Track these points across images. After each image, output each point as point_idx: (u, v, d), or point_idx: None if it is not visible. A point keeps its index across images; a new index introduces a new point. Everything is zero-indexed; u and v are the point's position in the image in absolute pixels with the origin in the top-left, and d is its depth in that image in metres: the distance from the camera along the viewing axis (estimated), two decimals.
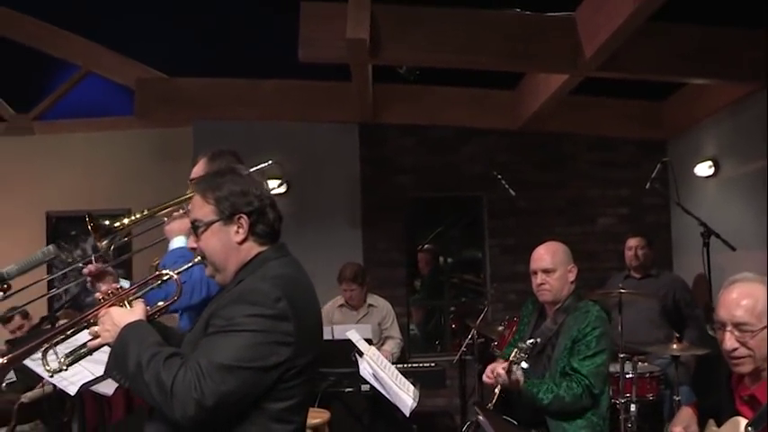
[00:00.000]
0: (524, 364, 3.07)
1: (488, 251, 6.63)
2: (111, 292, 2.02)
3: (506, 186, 5.31)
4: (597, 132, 6.56)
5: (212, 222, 1.95)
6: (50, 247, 2.88)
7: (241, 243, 1.95)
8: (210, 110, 6.39)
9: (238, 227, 1.94)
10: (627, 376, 4.56)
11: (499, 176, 5.32)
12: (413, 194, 6.70)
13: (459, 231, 6.74)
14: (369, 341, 4.38)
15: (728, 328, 2.30)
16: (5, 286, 2.73)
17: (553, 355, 3.30)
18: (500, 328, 5.04)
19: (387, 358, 5.10)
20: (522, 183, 6.38)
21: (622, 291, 4.58)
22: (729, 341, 2.30)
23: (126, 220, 2.68)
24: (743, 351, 2.27)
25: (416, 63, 4.80)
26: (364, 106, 5.81)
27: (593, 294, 4.96)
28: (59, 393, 3.65)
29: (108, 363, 1.87)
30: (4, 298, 2.77)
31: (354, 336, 3.99)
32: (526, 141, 6.58)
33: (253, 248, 1.96)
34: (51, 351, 2.00)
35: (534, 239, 3.69)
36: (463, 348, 5.39)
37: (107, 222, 2.68)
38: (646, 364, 4.85)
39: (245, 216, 1.94)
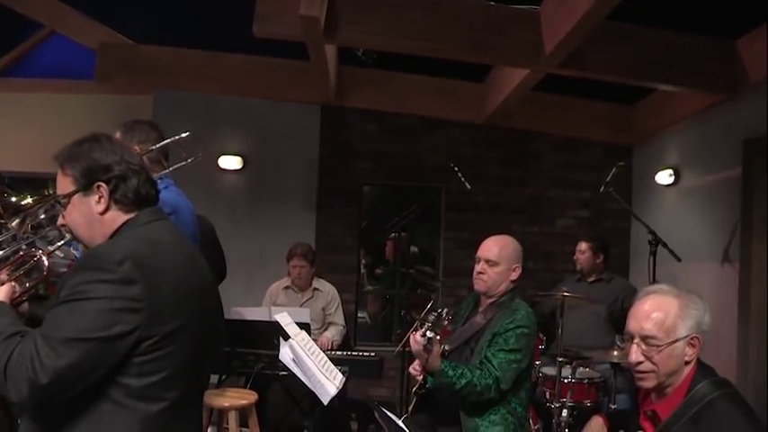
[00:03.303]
0: (429, 333, 3.02)
1: (443, 244, 6.57)
2: None
3: (462, 179, 5.22)
4: (564, 132, 6.49)
5: (72, 194, 1.84)
6: None
7: (103, 213, 1.83)
8: (173, 80, 6.24)
9: (99, 196, 1.82)
10: (564, 380, 4.52)
11: (456, 168, 5.24)
12: (371, 181, 6.64)
13: (417, 222, 6.66)
14: (306, 325, 4.31)
15: (636, 340, 2.24)
16: None
17: (476, 347, 3.28)
18: (434, 314, 4.97)
19: (326, 345, 5.07)
20: (484, 178, 6.32)
21: (565, 294, 4.52)
22: (635, 354, 2.23)
23: (31, 199, 2.53)
24: (647, 365, 2.21)
25: (373, 47, 4.70)
26: (326, 88, 5.70)
27: (537, 295, 4.95)
28: None
29: None
30: None
31: (284, 319, 3.89)
32: (491, 136, 6.50)
33: (118, 217, 1.84)
34: None
35: (489, 235, 3.61)
36: (405, 340, 5.31)
37: (14, 199, 2.53)
38: (587, 369, 4.81)
39: (103, 184, 1.82)
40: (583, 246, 5.43)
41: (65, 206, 1.86)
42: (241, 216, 6.33)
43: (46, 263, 1.97)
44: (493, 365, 3.15)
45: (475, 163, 6.34)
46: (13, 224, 2.54)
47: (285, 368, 4.36)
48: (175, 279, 1.77)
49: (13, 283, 1.90)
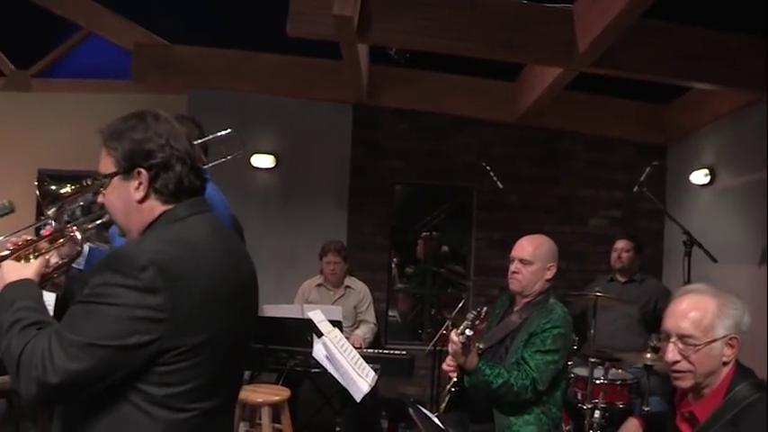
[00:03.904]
0: (468, 332, 3.03)
1: (474, 243, 6.56)
2: (20, 244, 1.87)
3: (494, 178, 5.21)
4: (596, 131, 6.44)
5: (112, 175, 1.73)
6: (5, 201, 2.83)
7: (141, 201, 1.71)
8: (206, 79, 6.34)
9: (139, 182, 1.70)
10: (596, 381, 4.48)
11: (488, 167, 5.22)
12: (403, 180, 6.65)
13: (448, 221, 6.67)
14: (338, 323, 4.34)
15: (672, 339, 2.22)
16: None
17: (511, 347, 3.27)
18: (474, 313, 4.96)
19: (357, 342, 5.09)
20: (515, 177, 6.29)
21: (598, 294, 4.48)
22: (672, 353, 2.21)
23: (70, 188, 2.59)
24: (684, 365, 2.18)
25: (406, 46, 4.71)
26: (358, 87, 5.73)
27: (568, 295, 4.91)
28: None
29: None
30: None
31: (317, 316, 3.92)
32: (523, 135, 6.48)
33: (156, 207, 1.72)
34: None
35: (522, 235, 3.61)
36: (436, 339, 5.31)
37: (53, 188, 2.58)
38: (620, 371, 4.76)
39: (144, 171, 1.69)
40: (621, 244, 5.34)
41: (105, 185, 1.76)
42: (273, 214, 6.39)
43: (79, 237, 1.92)
44: (530, 366, 3.14)
45: (506, 162, 6.32)
46: (50, 212, 2.61)
47: (317, 365, 4.40)
48: (204, 288, 1.63)
49: (46, 257, 1.85)
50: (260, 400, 4.13)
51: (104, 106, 6.77)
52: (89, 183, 2.70)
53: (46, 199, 2.61)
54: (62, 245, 1.96)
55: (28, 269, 1.78)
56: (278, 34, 4.60)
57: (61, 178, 2.72)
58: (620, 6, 3.59)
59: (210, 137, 3.04)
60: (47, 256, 1.86)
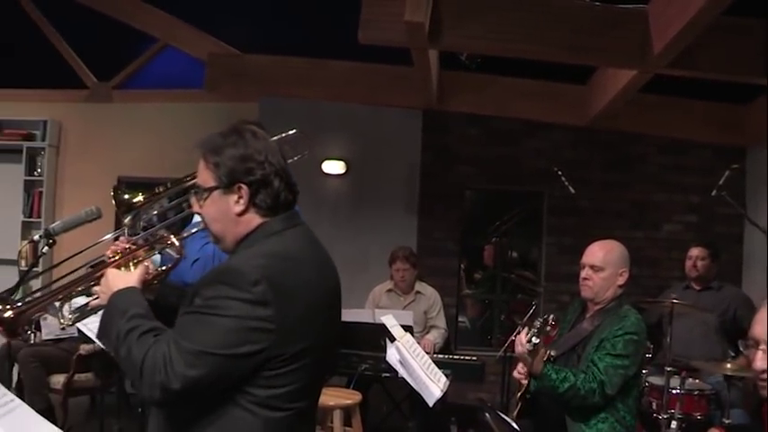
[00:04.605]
0: (535, 339, 3.01)
1: (545, 249, 6.49)
2: (119, 252, 1.97)
3: (566, 183, 5.15)
4: (671, 134, 6.28)
5: (212, 189, 1.81)
6: (93, 207, 2.94)
7: (240, 214, 1.79)
8: (277, 87, 6.46)
9: (238, 197, 1.78)
10: (673, 391, 4.36)
11: (560, 172, 5.17)
12: (473, 185, 6.62)
13: (518, 227, 6.61)
14: (409, 328, 4.36)
15: (762, 346, 2.15)
16: (51, 241, 2.82)
17: (583, 354, 3.22)
18: (540, 320, 4.91)
19: (428, 347, 5.10)
20: (586, 181, 6.19)
21: (675, 301, 4.36)
22: (761, 361, 2.12)
23: (142, 197, 2.66)
24: None
25: (477, 51, 4.72)
26: (428, 92, 5.75)
27: (642, 302, 4.80)
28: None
29: (98, 329, 1.82)
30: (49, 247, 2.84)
31: (390, 321, 3.96)
32: (594, 139, 6.38)
33: (254, 220, 1.81)
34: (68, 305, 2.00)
35: (593, 241, 3.55)
36: (506, 345, 5.27)
37: (126, 197, 2.66)
38: (697, 381, 4.62)
39: (244, 186, 1.78)
40: (696, 251, 5.15)
41: (203, 197, 1.84)
42: (343, 220, 6.46)
43: (178, 245, 2.01)
44: (598, 369, 3.08)
45: (577, 166, 6.23)
46: (126, 221, 2.70)
47: (387, 369, 4.45)
48: (306, 299, 1.75)
49: (146, 264, 1.94)
50: (332, 403, 4.18)
51: (180, 115, 7.06)
52: (161, 190, 2.81)
53: (121, 208, 2.71)
54: (162, 251, 2.07)
55: (131, 277, 1.88)
56: (347, 41, 4.68)
57: (135, 187, 2.82)
58: (699, 5, 3.51)
59: (276, 138, 3.09)
60: (146, 264, 1.96)
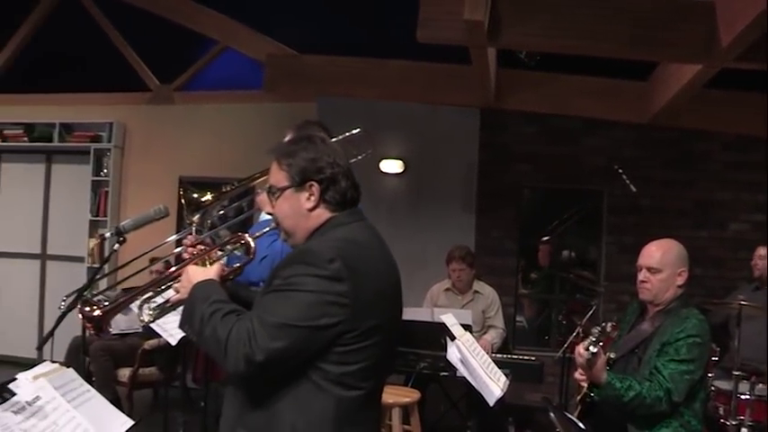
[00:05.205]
0: (593, 348, 2.93)
1: (605, 248, 6.39)
2: (196, 252, 2.13)
3: (627, 182, 5.06)
4: (736, 130, 6.10)
5: (285, 188, 1.98)
6: (161, 206, 3.04)
7: (311, 210, 1.96)
8: (334, 87, 6.51)
9: (309, 194, 1.96)
10: (741, 397, 4.24)
11: (620, 170, 5.09)
12: (531, 184, 6.58)
13: (577, 226, 6.53)
14: (468, 327, 4.34)
15: None
16: (122, 238, 2.92)
17: (644, 357, 3.14)
18: (598, 328, 4.83)
19: (486, 347, 5.07)
20: (648, 180, 6.08)
21: (743, 303, 4.24)
22: None
23: (210, 196, 2.74)
24: None
25: (536, 48, 4.67)
26: (486, 91, 5.72)
27: (708, 303, 4.68)
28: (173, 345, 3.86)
29: (181, 318, 1.96)
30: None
31: (449, 320, 3.94)
32: (655, 136, 6.25)
33: (323, 215, 1.98)
34: (148, 303, 2.12)
35: (653, 240, 3.49)
36: (565, 346, 5.21)
37: (195, 196, 2.75)
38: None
39: (315, 183, 1.95)
40: (764, 251, 5.03)
41: (276, 196, 2.00)
42: (401, 218, 6.47)
43: (252, 245, 2.12)
44: (663, 376, 2.99)
45: (638, 164, 6.11)
46: (195, 219, 2.78)
47: (445, 368, 4.45)
48: (375, 280, 1.90)
49: (222, 262, 2.08)
50: (391, 401, 4.19)
51: (239, 115, 7.19)
52: (228, 189, 2.89)
53: (190, 207, 2.79)
54: (235, 250, 2.19)
55: (210, 271, 2.03)
56: (403, 40, 4.69)
57: (202, 186, 2.90)
58: None
59: (340, 137, 3.13)
60: (221, 262, 2.10)
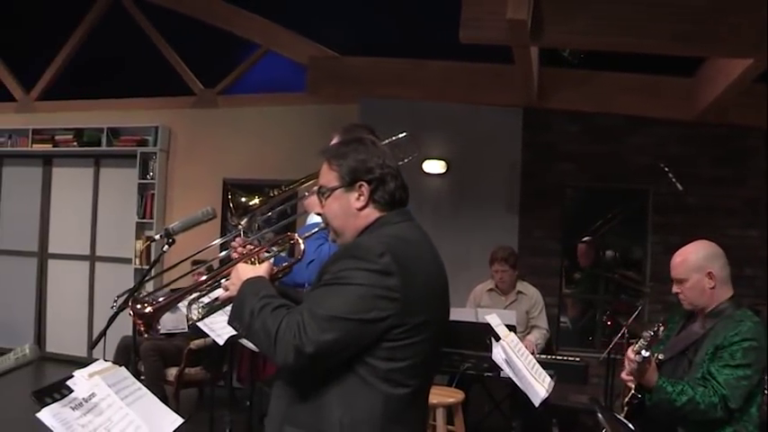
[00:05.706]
0: (645, 353, 2.87)
1: (650, 248, 6.30)
2: (245, 252, 2.18)
3: (674, 180, 4.97)
4: None
5: (335, 188, 2.01)
6: (209, 208, 3.09)
7: (361, 209, 1.99)
8: (376, 88, 6.54)
9: (359, 194, 1.99)
10: None
11: (666, 169, 5.00)
12: (574, 183, 6.51)
13: (621, 225, 6.44)
14: (512, 328, 4.32)
15: None
16: (171, 240, 2.98)
17: (695, 359, 3.06)
18: (650, 332, 4.76)
19: (529, 347, 5.03)
20: (695, 178, 5.97)
21: None
22: None
23: (258, 200, 2.79)
24: None
25: (579, 46, 4.62)
26: (529, 90, 5.68)
27: (759, 304, 4.57)
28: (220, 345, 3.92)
29: (230, 314, 1.98)
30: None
31: (494, 320, 3.93)
32: (702, 133, 6.14)
33: (372, 214, 2.00)
34: (196, 303, 2.16)
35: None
36: (611, 347, 5.15)
37: (243, 200, 2.80)
38: None
39: (365, 183, 1.98)
40: None
41: (326, 196, 2.03)
42: (444, 219, 6.47)
43: (302, 246, 2.15)
44: (718, 382, 2.90)
45: (684, 162, 6.00)
46: (243, 223, 2.83)
47: (489, 369, 4.43)
48: (425, 277, 1.91)
49: (270, 262, 2.10)
50: (435, 401, 4.19)
51: (282, 118, 7.27)
52: (276, 193, 2.93)
53: (238, 210, 2.84)
54: (283, 250, 2.23)
55: (260, 269, 2.06)
56: (444, 41, 4.69)
57: (246, 188, 2.94)
58: None
59: (387, 141, 3.14)
60: (270, 261, 2.12)
